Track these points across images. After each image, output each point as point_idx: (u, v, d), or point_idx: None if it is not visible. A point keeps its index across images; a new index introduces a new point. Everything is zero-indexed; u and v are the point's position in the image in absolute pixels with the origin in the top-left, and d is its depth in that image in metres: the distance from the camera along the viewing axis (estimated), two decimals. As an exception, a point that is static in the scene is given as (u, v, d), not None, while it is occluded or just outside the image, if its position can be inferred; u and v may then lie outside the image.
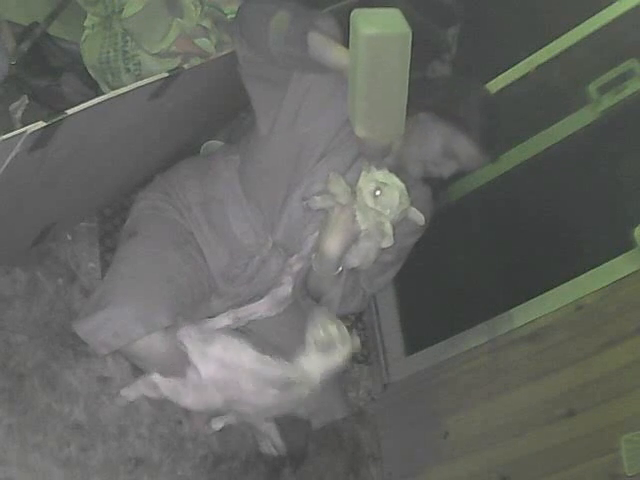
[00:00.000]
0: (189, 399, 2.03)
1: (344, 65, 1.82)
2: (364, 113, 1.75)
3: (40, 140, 1.66)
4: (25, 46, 2.31)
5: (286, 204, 2.13)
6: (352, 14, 1.69)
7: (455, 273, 2.84)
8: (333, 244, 1.95)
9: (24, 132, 1.61)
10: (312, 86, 2.05)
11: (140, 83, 1.80)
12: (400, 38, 1.66)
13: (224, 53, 2.11)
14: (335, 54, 1.85)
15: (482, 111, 2.10)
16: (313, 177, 2.09)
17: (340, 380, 2.37)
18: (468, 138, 2.06)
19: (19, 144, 1.63)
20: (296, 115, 2.08)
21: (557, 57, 2.72)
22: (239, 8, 2.05)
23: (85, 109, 1.69)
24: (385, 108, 1.75)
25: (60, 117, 1.65)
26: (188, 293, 2.07)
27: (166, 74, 1.86)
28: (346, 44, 1.81)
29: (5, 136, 1.60)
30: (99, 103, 1.72)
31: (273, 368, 2.00)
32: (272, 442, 2.34)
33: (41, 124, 1.63)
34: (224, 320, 2.12)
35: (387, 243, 1.90)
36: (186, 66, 1.94)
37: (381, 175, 1.88)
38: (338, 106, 2.05)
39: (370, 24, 1.66)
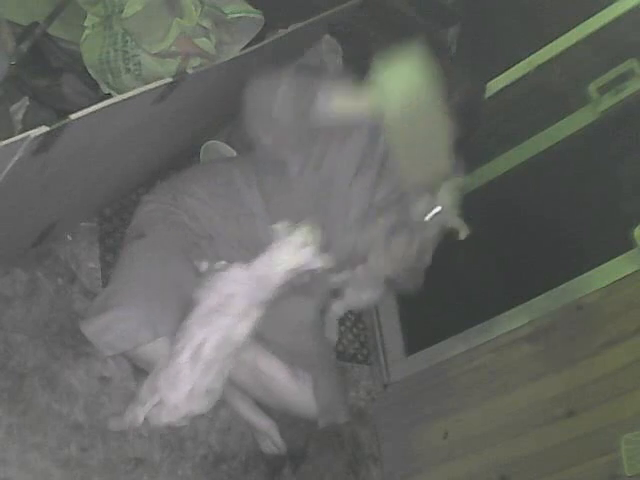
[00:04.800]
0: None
1: (362, 113, 1.88)
2: (405, 159, 1.77)
3: (43, 144, 1.65)
4: (25, 46, 2.29)
5: (329, 233, 2.14)
6: (373, 69, 1.72)
7: (455, 273, 2.84)
8: (388, 268, 2.12)
9: (27, 136, 1.61)
10: None
11: (144, 88, 1.80)
12: (425, 91, 1.67)
13: (227, 59, 2.11)
14: (349, 111, 1.92)
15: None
16: (349, 201, 2.14)
17: (343, 385, 2.37)
18: None
19: (22, 148, 1.62)
20: (323, 154, 2.12)
21: (557, 57, 2.72)
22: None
23: (88, 114, 1.69)
24: (426, 151, 1.76)
25: (63, 122, 1.65)
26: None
27: (170, 79, 1.86)
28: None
29: (9, 140, 1.59)
30: (102, 108, 1.71)
31: None
32: (272, 441, 2.35)
33: (45, 129, 1.62)
34: None
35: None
36: (189, 71, 1.93)
37: None
38: (357, 131, 2.09)
39: (392, 82, 1.68)
